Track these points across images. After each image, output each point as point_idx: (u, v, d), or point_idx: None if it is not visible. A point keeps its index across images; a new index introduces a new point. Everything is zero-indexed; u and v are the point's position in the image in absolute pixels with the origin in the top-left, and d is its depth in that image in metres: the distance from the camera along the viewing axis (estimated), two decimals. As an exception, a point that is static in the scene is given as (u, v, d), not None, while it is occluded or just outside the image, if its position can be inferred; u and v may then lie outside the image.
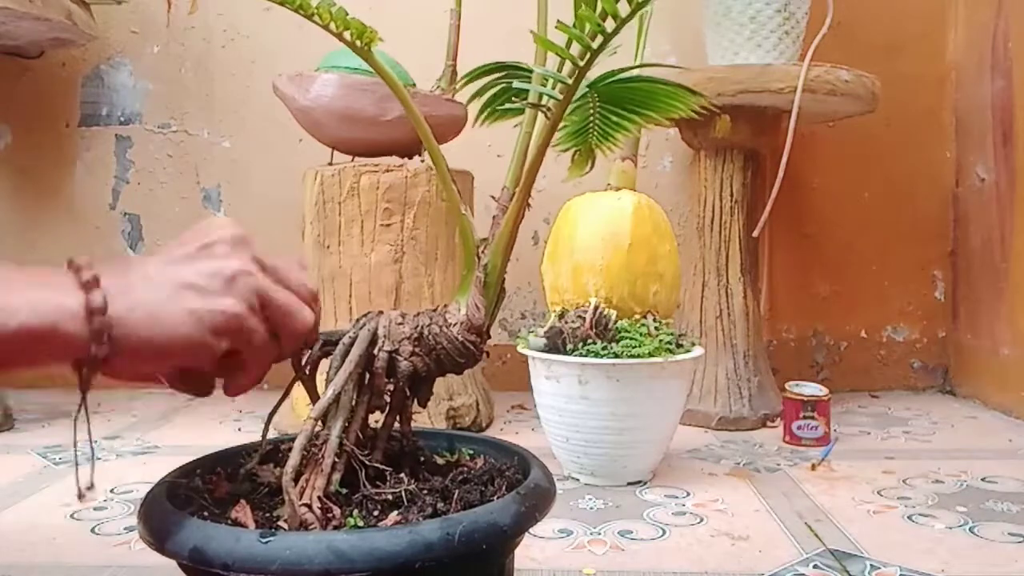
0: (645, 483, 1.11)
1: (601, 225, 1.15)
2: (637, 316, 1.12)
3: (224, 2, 1.79)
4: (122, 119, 1.80)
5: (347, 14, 0.55)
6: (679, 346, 1.11)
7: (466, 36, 1.38)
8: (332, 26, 0.55)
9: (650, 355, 1.05)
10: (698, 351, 1.13)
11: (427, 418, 1.28)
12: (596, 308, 1.09)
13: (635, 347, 1.05)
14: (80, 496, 0.47)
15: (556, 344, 1.09)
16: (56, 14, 1.49)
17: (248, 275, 0.46)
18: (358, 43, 0.57)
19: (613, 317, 1.09)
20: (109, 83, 1.80)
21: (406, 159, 1.37)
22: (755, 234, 1.45)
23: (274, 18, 1.76)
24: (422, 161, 1.38)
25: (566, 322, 1.09)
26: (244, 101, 1.78)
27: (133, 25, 1.79)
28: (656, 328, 1.11)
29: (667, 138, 1.74)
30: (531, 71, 0.63)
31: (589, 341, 1.07)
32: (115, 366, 0.42)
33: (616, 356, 1.05)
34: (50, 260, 1.87)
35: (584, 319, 1.08)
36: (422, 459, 0.62)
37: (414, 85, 1.38)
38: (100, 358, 0.41)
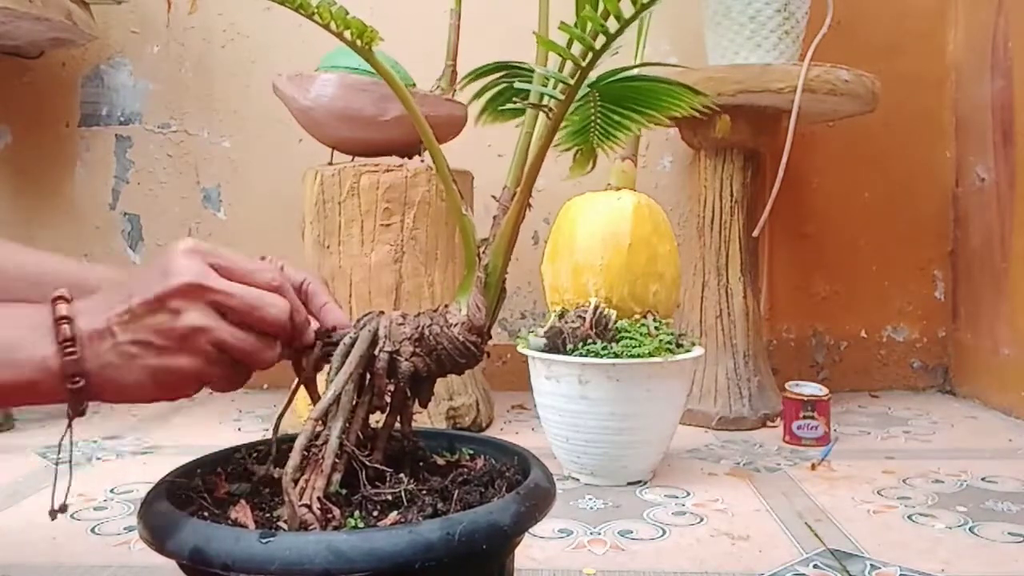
0: (645, 483, 1.11)
1: (601, 225, 1.15)
2: (637, 316, 1.12)
3: (224, 2, 1.79)
4: (122, 119, 1.80)
5: (347, 13, 0.55)
6: (679, 346, 1.11)
7: (466, 36, 1.38)
8: (332, 25, 0.55)
9: (650, 355, 1.05)
10: (698, 351, 1.13)
11: (427, 418, 1.28)
12: (596, 308, 1.09)
13: (635, 347, 1.05)
14: (53, 513, 0.53)
15: (556, 344, 1.09)
16: (56, 14, 1.49)
17: (200, 331, 0.49)
18: (358, 43, 0.57)
19: (613, 317, 1.09)
20: (109, 83, 1.80)
21: (406, 159, 1.37)
22: (755, 234, 1.45)
23: (274, 18, 1.76)
24: (422, 161, 1.38)
25: (566, 322, 1.09)
26: (244, 101, 1.78)
27: (133, 25, 1.79)
28: (656, 328, 1.11)
29: (667, 138, 1.74)
30: (532, 71, 0.63)
31: (589, 341, 1.07)
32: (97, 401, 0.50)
33: (616, 356, 1.05)
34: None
35: (584, 319, 1.08)
36: (422, 459, 0.62)
37: (414, 85, 1.38)
38: (78, 405, 0.49)
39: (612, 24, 0.50)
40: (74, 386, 0.47)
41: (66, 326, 0.48)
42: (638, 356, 1.04)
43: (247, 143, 1.79)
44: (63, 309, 0.48)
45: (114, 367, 0.48)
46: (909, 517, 0.97)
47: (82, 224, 1.81)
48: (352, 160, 1.38)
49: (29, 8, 1.43)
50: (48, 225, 1.81)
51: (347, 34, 0.56)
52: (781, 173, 1.37)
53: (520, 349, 1.14)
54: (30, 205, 1.81)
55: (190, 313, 0.48)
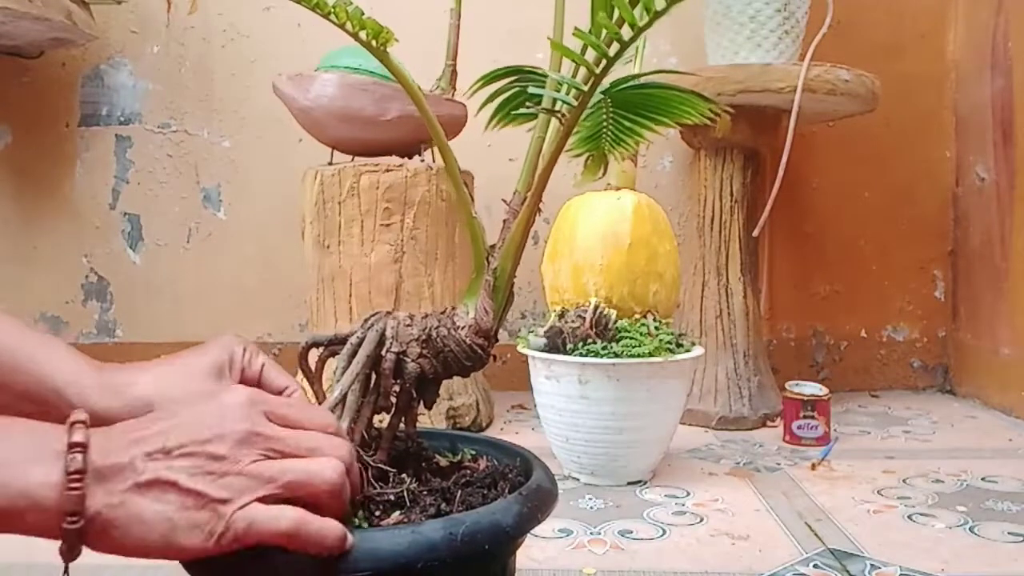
0: (645, 483, 1.11)
1: (601, 225, 1.15)
2: (637, 316, 1.12)
3: (224, 2, 1.78)
4: (122, 119, 1.80)
5: (363, 13, 0.55)
6: (679, 346, 1.11)
7: (466, 36, 1.38)
8: (348, 25, 0.55)
9: (650, 355, 1.05)
10: (698, 351, 1.13)
11: (427, 418, 1.28)
12: (596, 308, 1.09)
13: (635, 347, 1.05)
14: None
15: (556, 344, 1.09)
16: (56, 14, 1.49)
17: (239, 511, 0.42)
18: (374, 43, 0.56)
19: (613, 317, 1.09)
20: (109, 83, 1.80)
21: (406, 159, 1.37)
22: (755, 234, 1.45)
23: (274, 18, 1.76)
24: (422, 160, 1.38)
25: (566, 322, 1.09)
26: (244, 101, 1.78)
27: (133, 25, 1.79)
28: (656, 328, 1.11)
29: (667, 138, 1.74)
30: (545, 76, 0.63)
31: (589, 341, 1.07)
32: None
33: (616, 356, 1.05)
34: (50, 260, 1.86)
35: (584, 319, 1.08)
36: (425, 460, 0.62)
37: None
38: (72, 549, 0.41)
39: (626, 32, 0.50)
40: (71, 525, 0.40)
41: (79, 455, 0.40)
42: (638, 356, 1.04)
43: (247, 143, 1.79)
44: (79, 435, 0.41)
45: (124, 508, 0.41)
46: (909, 517, 0.97)
47: (82, 224, 1.80)
48: (352, 160, 1.38)
49: (29, 8, 1.43)
50: (48, 225, 1.81)
51: (363, 34, 0.56)
52: (781, 173, 1.37)
53: (520, 349, 1.14)
54: (30, 205, 1.81)
55: (239, 479, 0.42)
